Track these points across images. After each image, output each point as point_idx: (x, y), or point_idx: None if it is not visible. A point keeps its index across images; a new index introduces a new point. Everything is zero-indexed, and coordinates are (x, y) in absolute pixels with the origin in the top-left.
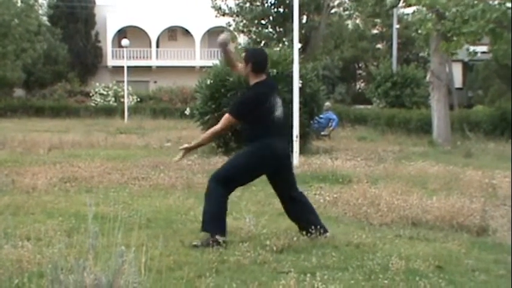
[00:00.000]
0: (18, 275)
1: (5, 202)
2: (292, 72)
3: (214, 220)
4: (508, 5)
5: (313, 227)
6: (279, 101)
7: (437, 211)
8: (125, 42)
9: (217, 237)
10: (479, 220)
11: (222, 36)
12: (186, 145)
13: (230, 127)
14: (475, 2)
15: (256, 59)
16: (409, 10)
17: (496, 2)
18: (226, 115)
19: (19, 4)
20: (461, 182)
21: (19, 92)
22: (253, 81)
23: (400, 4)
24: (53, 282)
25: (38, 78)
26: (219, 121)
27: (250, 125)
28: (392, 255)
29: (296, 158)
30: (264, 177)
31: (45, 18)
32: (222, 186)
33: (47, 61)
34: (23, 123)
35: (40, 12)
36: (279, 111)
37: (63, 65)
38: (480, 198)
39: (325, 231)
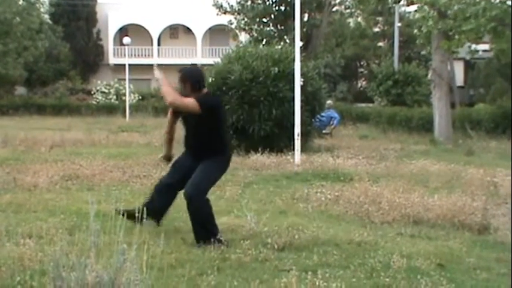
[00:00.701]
0: (20, 272)
1: (6, 200)
2: (293, 70)
3: (213, 226)
4: (509, 3)
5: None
6: None
7: (439, 209)
8: (126, 40)
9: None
10: (480, 218)
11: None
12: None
13: (179, 115)
14: (477, 0)
15: (194, 77)
16: (411, 8)
17: (497, 0)
18: (193, 100)
19: (21, 2)
20: (463, 180)
21: (21, 90)
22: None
23: (402, 2)
24: (55, 279)
25: (40, 76)
26: None
27: (210, 133)
28: (393, 254)
29: (297, 156)
30: (265, 176)
31: (46, 16)
32: (204, 196)
33: (48, 59)
34: (24, 121)
35: (42, 10)
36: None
37: (65, 63)
38: (482, 196)
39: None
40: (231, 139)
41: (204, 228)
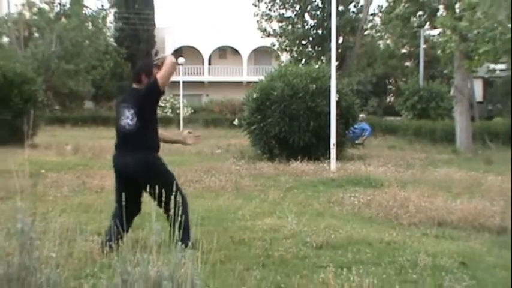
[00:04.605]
0: (89, 265)
1: (77, 201)
2: (329, 87)
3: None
4: None
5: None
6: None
7: (461, 212)
8: (180, 60)
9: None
10: (499, 221)
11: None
12: None
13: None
14: (495, 25)
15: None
16: (435, 32)
17: None
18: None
19: (90, 27)
20: (483, 186)
21: (89, 104)
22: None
23: (427, 26)
24: (122, 273)
25: (105, 92)
26: (264, 130)
27: (145, 126)
28: (420, 252)
29: (333, 164)
30: (304, 182)
31: (112, 40)
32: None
33: (113, 77)
34: (92, 131)
35: (108, 34)
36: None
37: (128, 80)
38: (500, 201)
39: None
40: (273, 148)
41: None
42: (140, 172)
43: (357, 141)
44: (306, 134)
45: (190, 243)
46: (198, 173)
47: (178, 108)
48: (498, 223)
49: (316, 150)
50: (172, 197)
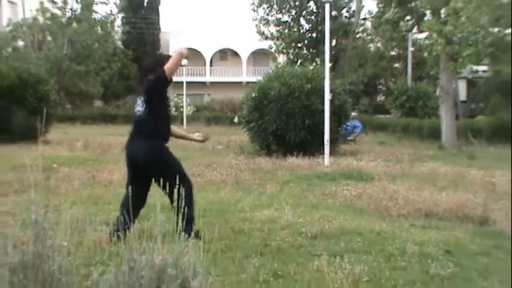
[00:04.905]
0: (98, 253)
1: (87, 193)
2: (323, 87)
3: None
4: (507, 31)
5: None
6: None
7: (446, 204)
8: (184, 61)
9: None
10: (481, 212)
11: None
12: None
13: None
14: (477, 29)
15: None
16: (422, 35)
17: (496, 30)
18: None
19: (99, 31)
20: (466, 180)
21: (98, 103)
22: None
23: (414, 30)
24: (129, 261)
25: (113, 92)
26: (262, 128)
27: (154, 114)
28: (408, 241)
29: (327, 159)
30: (299, 176)
31: (119, 43)
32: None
33: (120, 77)
34: (101, 128)
35: (116, 37)
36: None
37: (134, 80)
38: (482, 193)
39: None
40: (271, 144)
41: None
42: (147, 159)
43: (349, 138)
44: (301, 131)
45: (192, 233)
46: (201, 167)
47: (182, 106)
48: (480, 214)
49: (311, 146)
50: (177, 188)
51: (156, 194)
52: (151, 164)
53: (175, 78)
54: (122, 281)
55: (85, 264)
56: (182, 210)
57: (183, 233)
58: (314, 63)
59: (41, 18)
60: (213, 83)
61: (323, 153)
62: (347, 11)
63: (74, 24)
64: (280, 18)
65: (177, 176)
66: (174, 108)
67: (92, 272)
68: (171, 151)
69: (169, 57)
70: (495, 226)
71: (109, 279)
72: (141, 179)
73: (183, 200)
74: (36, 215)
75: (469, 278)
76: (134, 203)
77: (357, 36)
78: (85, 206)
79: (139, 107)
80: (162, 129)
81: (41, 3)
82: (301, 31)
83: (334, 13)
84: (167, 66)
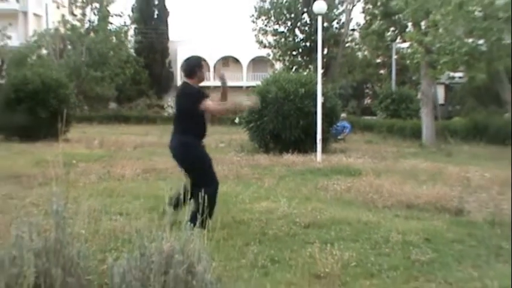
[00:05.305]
0: (113, 240)
1: (103, 187)
2: (316, 91)
3: None
4: (480, 41)
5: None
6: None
7: (426, 197)
8: None
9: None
10: (457, 204)
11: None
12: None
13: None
14: (454, 40)
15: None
16: (405, 45)
17: (470, 40)
18: (208, 103)
19: (114, 40)
20: (444, 175)
21: (112, 105)
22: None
23: (398, 40)
24: (140, 247)
25: (126, 95)
26: (260, 128)
27: (191, 115)
28: (392, 230)
29: (319, 156)
30: (294, 171)
31: (132, 51)
32: None
33: (133, 82)
34: (115, 128)
35: (129, 46)
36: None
37: (145, 85)
38: (458, 187)
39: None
40: (269, 143)
41: None
42: (178, 153)
43: (339, 137)
44: (296, 131)
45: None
46: None
47: None
48: (456, 205)
49: (304, 144)
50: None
51: (164, 188)
52: (182, 158)
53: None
54: (134, 266)
55: (101, 250)
56: (197, 203)
57: (191, 224)
58: (308, 70)
59: (62, 29)
60: (216, 87)
61: (316, 150)
62: (337, 23)
63: (92, 34)
64: (277, 29)
65: (205, 173)
66: None
67: (107, 257)
68: (204, 149)
69: (202, 60)
70: (469, 216)
71: (122, 264)
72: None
73: (206, 196)
74: (57, 205)
75: (446, 263)
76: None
77: (346, 45)
78: (101, 198)
79: (174, 109)
80: (198, 128)
81: (63, 15)
82: (296, 40)
83: (325, 24)
84: (210, 107)
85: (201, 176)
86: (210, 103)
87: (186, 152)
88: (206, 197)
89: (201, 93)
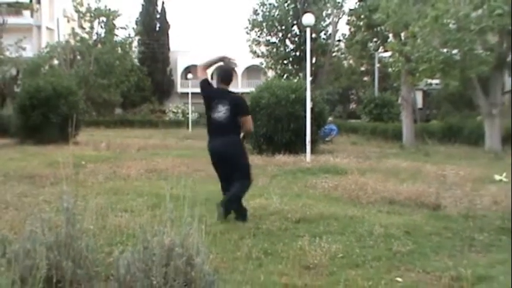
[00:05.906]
0: (118, 235)
1: (109, 186)
2: (305, 96)
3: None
4: (454, 51)
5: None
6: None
7: (406, 193)
8: (189, 75)
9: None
10: (434, 199)
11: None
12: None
13: None
14: (431, 49)
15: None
16: (386, 54)
17: (445, 50)
18: (249, 117)
19: (119, 51)
20: (422, 173)
21: (118, 110)
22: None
23: (380, 49)
24: (143, 241)
25: (131, 101)
26: (254, 130)
27: (233, 119)
28: (375, 224)
29: (308, 156)
30: (286, 171)
31: (136, 60)
32: None
33: (137, 89)
34: (120, 132)
35: (133, 56)
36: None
37: (148, 91)
38: (435, 184)
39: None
40: (262, 144)
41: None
42: (227, 150)
43: (326, 139)
44: (287, 133)
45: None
46: (203, 163)
47: (188, 113)
48: (433, 201)
49: (295, 146)
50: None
51: (165, 187)
52: (230, 154)
53: (183, 90)
54: (137, 258)
55: (107, 244)
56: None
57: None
58: (297, 77)
59: (72, 41)
60: None
61: (305, 151)
62: (324, 34)
63: (99, 45)
64: (269, 40)
65: (248, 166)
66: (181, 115)
67: (113, 250)
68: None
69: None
70: (445, 211)
71: (127, 257)
72: (221, 163)
73: (240, 186)
74: (68, 203)
75: (424, 253)
76: (225, 182)
77: (333, 54)
78: (107, 196)
79: (221, 113)
80: (238, 129)
81: (73, 29)
82: (287, 50)
83: (314, 35)
84: (247, 127)
85: (246, 168)
86: (249, 123)
87: (240, 148)
88: (247, 184)
89: (245, 115)
